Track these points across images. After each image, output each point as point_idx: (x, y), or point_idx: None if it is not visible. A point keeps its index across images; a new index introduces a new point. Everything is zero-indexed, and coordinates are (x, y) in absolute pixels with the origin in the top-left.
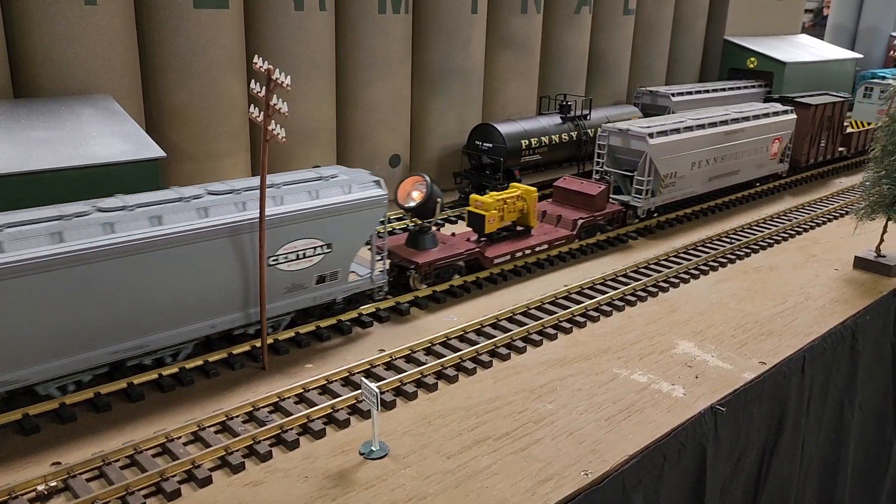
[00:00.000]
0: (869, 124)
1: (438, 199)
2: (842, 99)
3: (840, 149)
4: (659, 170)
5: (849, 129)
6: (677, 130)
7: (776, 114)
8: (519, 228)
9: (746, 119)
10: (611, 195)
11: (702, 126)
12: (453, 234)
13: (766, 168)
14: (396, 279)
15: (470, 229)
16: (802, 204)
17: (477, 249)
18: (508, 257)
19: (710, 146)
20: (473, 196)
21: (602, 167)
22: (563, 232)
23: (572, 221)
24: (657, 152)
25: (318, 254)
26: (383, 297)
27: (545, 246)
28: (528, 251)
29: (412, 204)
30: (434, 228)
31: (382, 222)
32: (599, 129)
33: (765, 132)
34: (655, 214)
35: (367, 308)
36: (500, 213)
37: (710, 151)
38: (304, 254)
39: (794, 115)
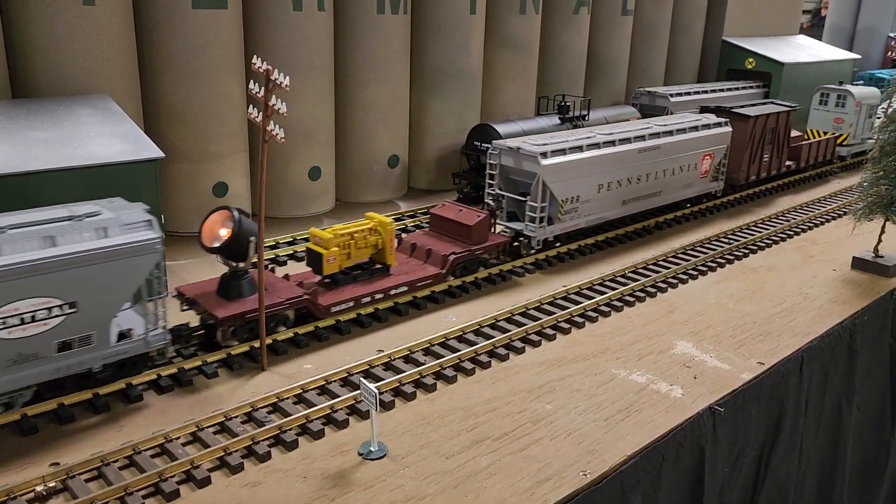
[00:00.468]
0: (825, 133)
1: (252, 238)
2: (788, 108)
3: (788, 163)
4: (555, 194)
5: (806, 140)
6: (578, 148)
7: (707, 126)
8: (378, 266)
9: (668, 134)
10: (506, 223)
11: (610, 143)
12: (287, 277)
13: (696, 187)
14: (207, 335)
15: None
16: (801, 204)
17: (305, 297)
18: (352, 304)
19: (621, 165)
20: (313, 230)
21: (494, 190)
22: (431, 270)
23: (442, 257)
24: (551, 174)
25: (56, 315)
26: (166, 361)
27: (403, 288)
28: (379, 296)
29: (218, 244)
30: (266, 271)
31: (158, 269)
32: (490, 147)
33: (692, 148)
34: (558, 244)
35: (365, 309)
36: (344, 250)
37: (621, 171)
38: (32, 317)
39: (728, 128)
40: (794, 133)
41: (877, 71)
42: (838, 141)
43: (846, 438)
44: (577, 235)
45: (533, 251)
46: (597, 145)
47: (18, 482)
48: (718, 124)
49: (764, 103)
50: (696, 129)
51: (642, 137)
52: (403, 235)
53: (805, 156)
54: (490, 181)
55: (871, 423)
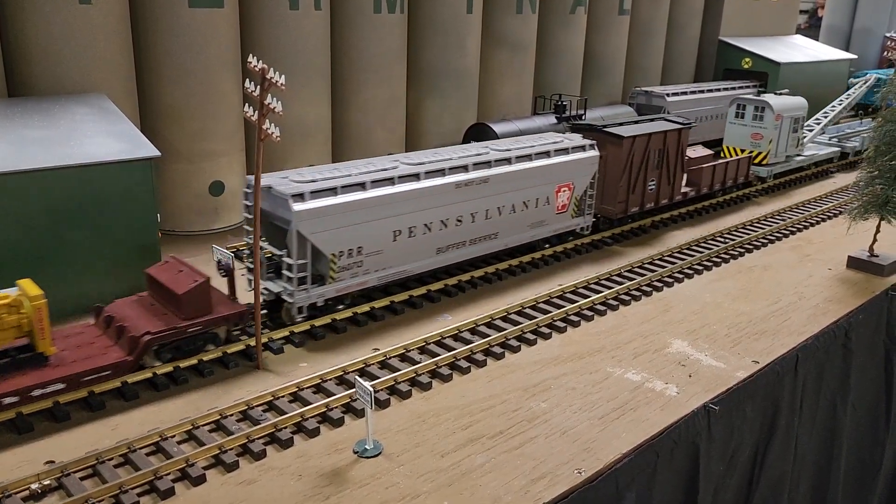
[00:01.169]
0: (743, 151)
1: None
2: (680, 125)
3: (686, 190)
4: (319, 247)
5: (713, 161)
6: (358, 186)
7: (563, 152)
8: (25, 355)
9: (504, 162)
10: (267, 283)
11: (411, 177)
12: None
13: (552, 226)
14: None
15: None
16: (795, 205)
17: None
18: None
19: (431, 204)
20: None
21: (253, 239)
22: (113, 357)
23: (131, 339)
24: (310, 222)
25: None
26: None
27: (60, 386)
28: (18, 397)
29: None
30: None
31: None
32: (244, 185)
33: (540, 178)
34: (341, 307)
35: (361, 308)
36: None
37: (430, 212)
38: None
39: (595, 152)
40: (702, 153)
41: (873, 71)
42: (756, 160)
43: (841, 437)
44: (375, 294)
45: (300, 319)
46: (389, 181)
47: (13, 480)
48: (581, 148)
49: (652, 119)
50: (545, 155)
51: (463, 168)
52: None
53: (708, 180)
54: (247, 227)
55: (865, 421)
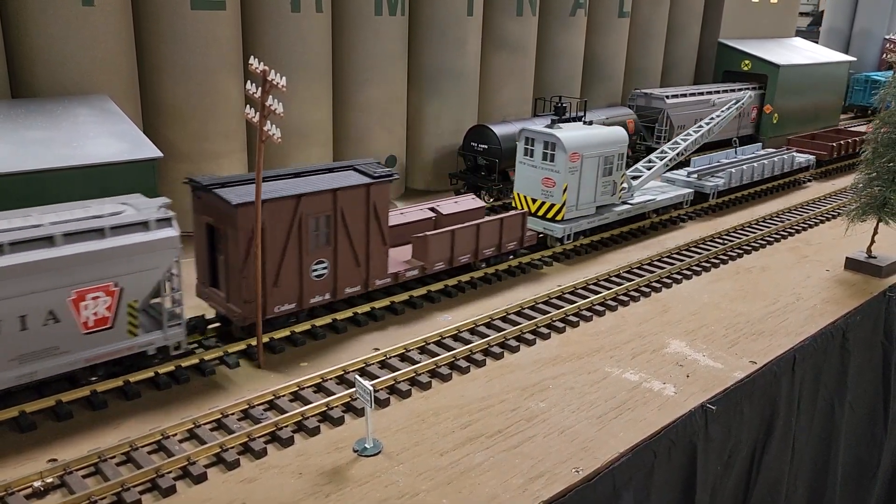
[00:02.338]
0: (535, 202)
1: None
2: (370, 179)
3: (399, 270)
4: None
5: (472, 221)
6: None
7: (96, 234)
8: None
9: None
10: None
11: None
12: None
13: (77, 354)
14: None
15: None
16: (794, 206)
17: None
18: None
19: None
20: None
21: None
22: None
23: None
24: None
25: None
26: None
27: None
28: None
29: None
30: None
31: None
32: None
33: (28, 281)
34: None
35: (362, 308)
36: None
37: None
38: None
39: (171, 232)
40: (467, 206)
41: (873, 73)
42: (548, 214)
43: (838, 437)
44: None
45: None
46: None
47: (16, 478)
48: (142, 225)
49: (331, 170)
50: (46, 242)
51: None
52: None
53: (444, 252)
54: None
55: (863, 421)
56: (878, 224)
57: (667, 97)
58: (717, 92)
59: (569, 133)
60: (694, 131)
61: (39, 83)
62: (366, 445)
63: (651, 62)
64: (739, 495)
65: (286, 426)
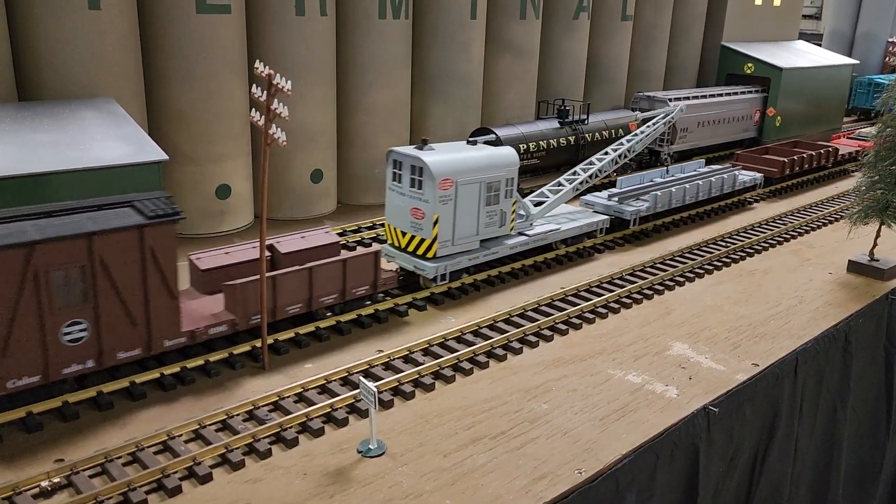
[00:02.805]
0: (404, 235)
1: None
2: (144, 222)
3: (201, 327)
4: None
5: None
6: None
7: None
8: None
9: None
10: None
11: None
12: None
13: None
14: None
15: None
16: (796, 209)
17: None
18: None
19: None
20: None
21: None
22: None
23: None
24: None
25: None
26: None
27: None
28: None
29: None
30: None
31: None
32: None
33: None
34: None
35: (366, 309)
36: None
37: None
38: None
39: None
40: (317, 241)
41: (876, 76)
42: (418, 251)
43: (841, 440)
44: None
45: None
46: None
47: (23, 478)
48: None
49: (103, 206)
50: None
51: None
52: None
53: (252, 304)
54: None
55: (865, 424)
56: (880, 227)
57: (670, 100)
58: (721, 95)
59: (439, 156)
60: (612, 149)
61: (46, 86)
62: (370, 446)
63: (654, 65)
64: (742, 497)
65: (291, 427)
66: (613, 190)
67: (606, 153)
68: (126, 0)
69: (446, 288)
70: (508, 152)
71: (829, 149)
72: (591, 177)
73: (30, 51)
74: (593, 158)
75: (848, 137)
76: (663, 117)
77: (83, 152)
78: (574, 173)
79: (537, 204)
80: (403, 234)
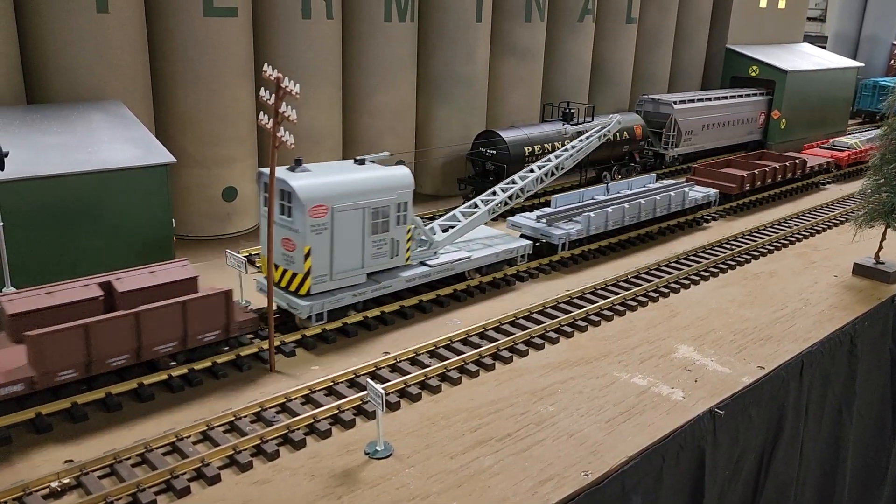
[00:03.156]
0: (277, 268)
1: None
2: None
3: None
4: None
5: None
6: None
7: None
8: None
9: None
10: None
11: None
12: None
13: None
14: None
15: None
16: (802, 211)
17: None
18: None
19: None
20: None
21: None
22: None
23: None
24: None
25: None
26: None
27: None
28: None
29: None
30: None
31: None
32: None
33: None
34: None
35: (372, 311)
36: None
37: None
38: None
39: None
40: (145, 282)
41: (881, 79)
42: (293, 286)
43: (846, 443)
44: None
45: None
46: None
47: (34, 478)
48: None
49: None
50: None
51: None
52: None
53: (59, 357)
54: None
55: (871, 427)
56: (886, 230)
57: (674, 103)
58: (725, 98)
59: (311, 180)
60: (538, 166)
61: (55, 89)
62: (377, 448)
63: (659, 68)
64: (748, 500)
65: (298, 428)
66: (543, 210)
67: (531, 170)
68: (134, 3)
69: (321, 329)
70: (400, 173)
71: (796, 161)
72: (511, 197)
73: (38, 54)
74: (515, 177)
75: (821, 147)
76: (598, 130)
77: (91, 155)
78: (492, 193)
79: (447, 229)
80: (277, 266)
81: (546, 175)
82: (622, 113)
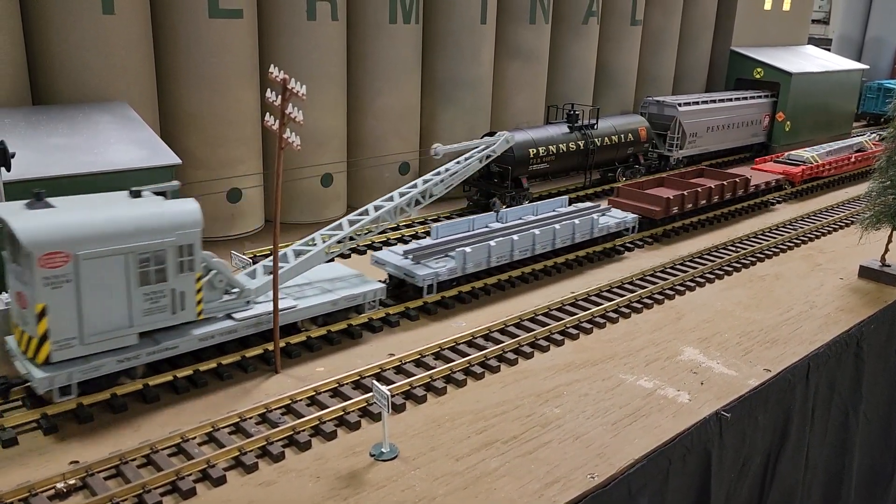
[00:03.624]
0: (16, 327)
1: None
2: None
3: None
4: None
5: None
6: None
7: None
8: None
9: None
10: None
11: None
12: None
13: None
14: None
15: None
16: (807, 213)
17: None
18: None
19: None
20: None
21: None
22: None
23: None
24: None
25: None
26: None
27: None
28: None
29: None
30: None
31: None
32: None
33: None
34: None
35: (377, 313)
36: None
37: None
38: None
39: None
40: None
41: (885, 81)
42: (30, 352)
43: (853, 446)
44: None
45: None
46: None
47: (39, 479)
48: None
49: None
50: None
51: None
52: None
53: None
54: None
55: (877, 430)
56: (892, 232)
57: (679, 105)
58: (730, 100)
59: (44, 219)
60: (400, 193)
61: (60, 90)
62: (382, 450)
63: (663, 70)
64: (753, 503)
65: (304, 430)
66: (414, 244)
67: (391, 198)
68: (139, 5)
69: (76, 404)
70: (182, 209)
71: (737, 179)
72: (359, 233)
73: (44, 55)
74: (370, 206)
75: (775, 161)
76: (482, 150)
77: (97, 156)
78: (338, 227)
79: (280, 268)
80: (17, 325)
81: (409, 204)
82: (626, 115)
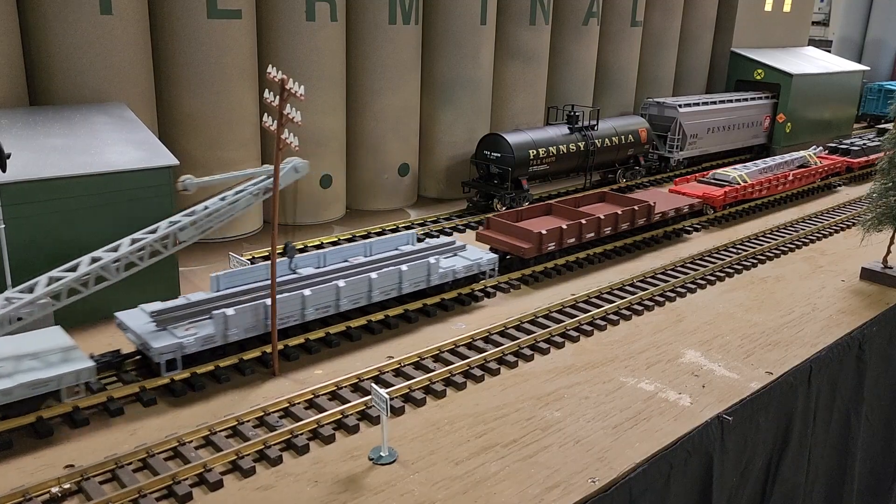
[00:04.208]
0: None
1: None
2: None
3: None
4: None
5: None
6: None
7: None
8: None
9: None
10: None
11: None
12: None
13: None
14: None
15: None
16: (809, 215)
17: None
18: None
19: None
20: None
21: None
22: None
23: None
24: None
25: None
26: None
27: None
28: None
29: None
30: None
31: None
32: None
33: None
34: None
35: (376, 315)
36: None
37: None
38: None
39: None
40: None
41: (886, 83)
42: None
43: (854, 449)
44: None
45: None
46: None
47: (34, 484)
48: None
49: None
50: None
51: None
52: None
53: None
54: None
55: (879, 433)
56: (894, 234)
57: (679, 106)
58: (731, 101)
59: None
60: (132, 240)
61: (58, 91)
62: (381, 454)
63: (663, 71)
64: None
65: (302, 433)
66: (166, 304)
67: (115, 248)
68: (137, 5)
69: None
70: None
71: (637, 207)
72: (58, 296)
73: (41, 56)
74: (87, 257)
75: (698, 181)
76: (258, 183)
77: (95, 157)
78: (29, 288)
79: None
80: None
81: (141, 258)
82: (626, 116)
